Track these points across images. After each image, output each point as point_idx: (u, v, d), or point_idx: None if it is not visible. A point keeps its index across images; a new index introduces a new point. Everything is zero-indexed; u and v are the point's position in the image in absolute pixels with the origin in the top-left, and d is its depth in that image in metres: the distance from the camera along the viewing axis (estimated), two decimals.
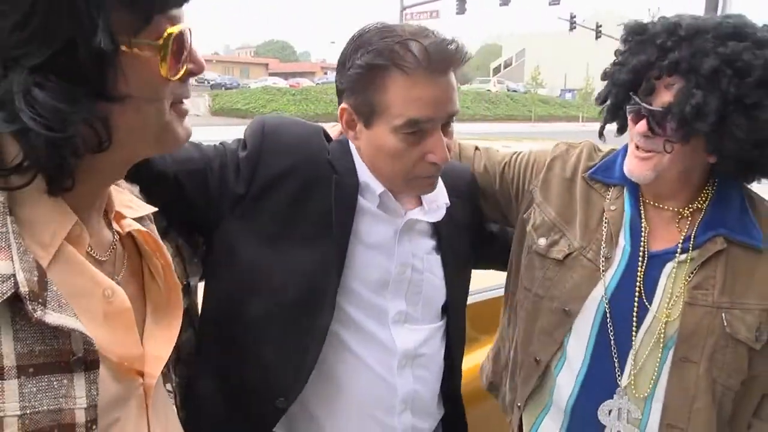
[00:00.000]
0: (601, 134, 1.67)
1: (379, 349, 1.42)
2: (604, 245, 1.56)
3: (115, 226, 0.97)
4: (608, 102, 1.56)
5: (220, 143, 1.41)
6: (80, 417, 0.76)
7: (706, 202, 1.52)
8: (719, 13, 9.52)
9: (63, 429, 0.75)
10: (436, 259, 1.54)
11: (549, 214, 1.65)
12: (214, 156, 1.36)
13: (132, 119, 0.80)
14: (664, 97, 1.39)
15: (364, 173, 1.42)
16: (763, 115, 1.31)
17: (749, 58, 1.30)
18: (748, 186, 1.56)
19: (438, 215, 1.49)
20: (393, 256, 1.44)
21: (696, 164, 1.47)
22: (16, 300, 0.71)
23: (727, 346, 1.44)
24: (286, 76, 59.08)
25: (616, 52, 1.54)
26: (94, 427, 0.78)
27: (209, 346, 1.38)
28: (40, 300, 0.72)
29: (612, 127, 1.63)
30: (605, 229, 1.57)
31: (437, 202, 1.51)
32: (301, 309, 1.34)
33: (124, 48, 0.74)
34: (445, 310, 1.57)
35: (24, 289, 0.71)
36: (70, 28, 0.70)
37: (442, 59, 1.28)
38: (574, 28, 36.51)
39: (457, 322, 1.59)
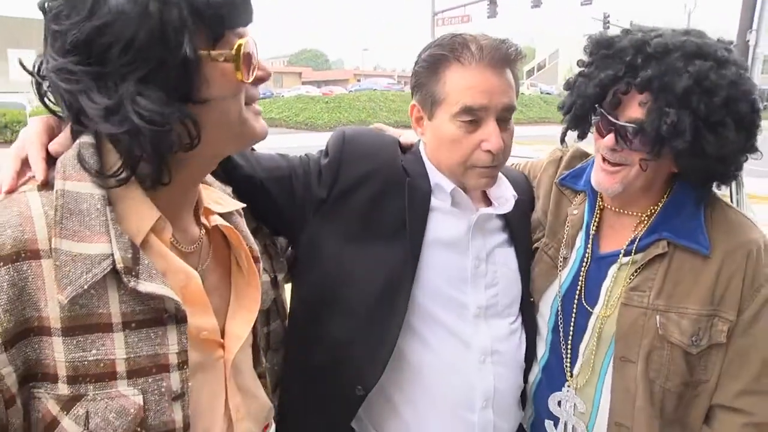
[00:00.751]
0: (562, 140, 1.74)
1: (456, 343, 1.47)
2: (563, 246, 1.64)
3: (203, 220, 1.17)
4: (571, 112, 1.59)
5: (305, 154, 1.55)
6: (173, 359, 0.97)
7: (661, 206, 1.55)
8: (757, 13, 9.29)
9: (159, 368, 0.96)
10: (509, 252, 1.61)
11: (537, 212, 1.76)
12: (298, 164, 1.50)
13: (216, 117, 0.99)
14: (633, 112, 1.42)
15: (435, 175, 1.53)
16: (727, 132, 1.36)
17: (715, 78, 1.34)
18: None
19: (508, 206, 1.57)
20: (468, 251, 1.52)
21: (659, 175, 1.50)
22: (117, 273, 0.91)
23: (663, 348, 1.47)
24: (319, 84, 59.62)
25: (579, 63, 1.58)
26: (185, 367, 0.98)
27: (295, 337, 1.48)
28: (133, 273, 0.92)
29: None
30: (566, 232, 1.66)
31: (505, 195, 1.58)
32: (379, 302, 1.42)
33: (204, 59, 0.95)
34: (521, 305, 1.62)
35: (120, 265, 0.91)
36: (162, 48, 0.90)
37: (495, 55, 1.42)
38: (608, 27, 36.05)
39: (531, 316, 1.65)
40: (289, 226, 1.50)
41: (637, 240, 1.54)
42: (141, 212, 0.98)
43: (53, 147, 0.98)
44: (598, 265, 1.60)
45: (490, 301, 1.53)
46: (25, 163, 0.99)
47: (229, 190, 1.32)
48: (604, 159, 1.51)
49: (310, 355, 1.46)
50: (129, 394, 0.92)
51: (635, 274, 1.53)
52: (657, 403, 1.49)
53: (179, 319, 0.98)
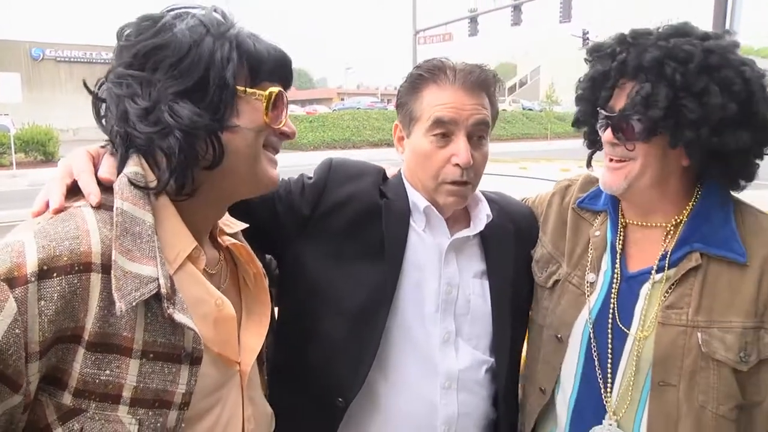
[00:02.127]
0: (589, 164, 1.71)
1: (423, 368, 1.50)
2: (588, 271, 1.57)
3: (219, 241, 1.26)
4: (584, 128, 1.62)
5: (287, 178, 1.61)
6: (177, 398, 1.00)
7: (687, 214, 1.49)
8: (728, 24, 9.47)
9: (162, 404, 0.98)
10: (483, 284, 1.61)
11: (547, 247, 1.70)
12: (281, 185, 1.55)
13: (237, 145, 1.09)
14: (621, 101, 1.43)
15: (412, 194, 1.59)
16: (712, 99, 1.33)
17: (689, 48, 1.35)
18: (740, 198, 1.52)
19: (480, 226, 1.61)
20: (439, 277, 1.55)
21: (670, 169, 1.46)
22: (152, 299, 0.95)
23: (708, 368, 1.37)
24: (303, 103, 59.66)
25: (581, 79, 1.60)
26: (185, 407, 1.01)
27: (282, 350, 1.51)
28: (171, 301, 0.97)
29: None
30: (590, 255, 1.60)
31: (479, 215, 1.63)
32: (356, 319, 1.47)
33: (240, 92, 1.08)
34: (493, 344, 1.60)
35: (163, 290, 0.95)
36: (207, 67, 1.04)
37: (469, 78, 1.52)
38: (587, 43, 36.49)
39: (502, 356, 1.60)
40: (274, 245, 1.54)
41: (669, 254, 1.46)
42: (179, 240, 1.06)
43: (103, 174, 1.04)
44: (628, 285, 1.52)
45: (458, 328, 1.55)
46: (69, 188, 1.04)
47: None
48: (609, 159, 1.51)
49: (295, 367, 1.50)
50: (126, 422, 0.94)
51: (670, 290, 1.44)
52: (706, 430, 1.38)
53: (194, 360, 1.02)
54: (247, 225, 1.34)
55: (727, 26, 9.87)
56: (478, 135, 1.54)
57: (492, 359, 1.59)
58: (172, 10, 1.11)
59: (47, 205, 0.99)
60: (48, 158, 22.36)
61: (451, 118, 1.50)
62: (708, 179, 1.49)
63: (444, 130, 1.51)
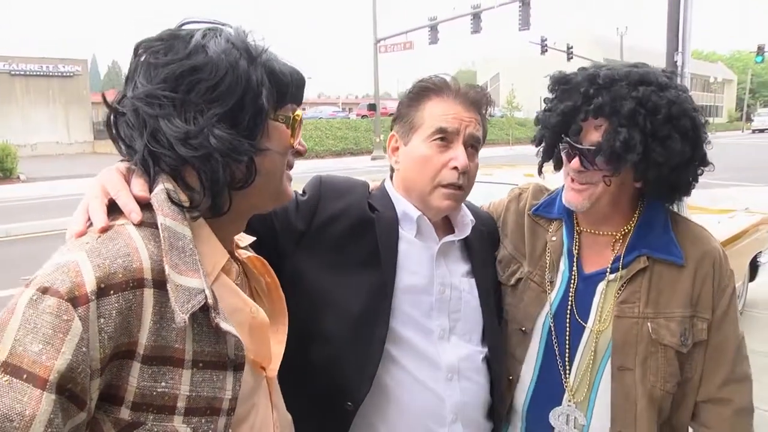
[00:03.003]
0: (539, 172, 1.88)
1: (427, 363, 1.60)
2: (548, 271, 1.78)
3: (236, 254, 1.28)
4: (543, 144, 1.79)
5: None
6: (225, 404, 1.04)
7: (634, 225, 1.72)
8: (680, 36, 9.79)
9: (213, 411, 1.02)
10: (471, 282, 1.74)
11: (508, 248, 1.89)
12: None
13: (266, 166, 1.13)
14: (592, 136, 1.61)
15: (402, 204, 1.70)
16: (674, 144, 1.55)
17: (656, 100, 1.54)
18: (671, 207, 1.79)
19: (466, 231, 1.74)
20: (432, 279, 1.66)
21: (624, 191, 1.68)
22: (197, 311, 0.97)
23: (657, 352, 1.63)
24: None
25: (545, 100, 1.77)
26: (232, 413, 1.05)
27: (286, 358, 1.53)
28: (216, 311, 1.00)
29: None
30: (548, 257, 1.80)
31: (464, 221, 1.75)
32: (359, 324, 1.54)
33: (270, 116, 1.13)
34: (485, 336, 1.73)
35: (210, 301, 0.98)
36: (244, 92, 1.06)
37: (469, 95, 1.69)
38: (546, 51, 37.17)
39: (495, 347, 1.75)
40: (272, 257, 1.55)
41: (621, 258, 1.70)
42: (214, 253, 1.10)
43: (139, 192, 1.04)
44: (585, 284, 1.74)
45: (452, 324, 1.67)
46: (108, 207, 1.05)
47: None
48: (572, 180, 1.68)
49: (300, 374, 1.54)
50: (181, 431, 0.97)
51: (622, 288, 1.68)
52: (657, 406, 1.63)
53: (237, 366, 1.06)
54: (254, 239, 1.38)
55: (680, 31, 10.15)
56: (472, 147, 1.68)
57: (486, 349, 1.71)
58: (189, 23, 1.12)
59: (88, 225, 1.01)
60: (6, 174, 21.81)
61: (454, 128, 1.64)
62: (650, 195, 1.73)
63: (445, 138, 1.64)
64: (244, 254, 1.31)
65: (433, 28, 29.50)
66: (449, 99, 1.68)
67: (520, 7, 26.47)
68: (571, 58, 36.17)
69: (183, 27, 1.11)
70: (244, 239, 1.35)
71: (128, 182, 1.07)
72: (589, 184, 1.65)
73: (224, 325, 1.00)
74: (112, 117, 1.08)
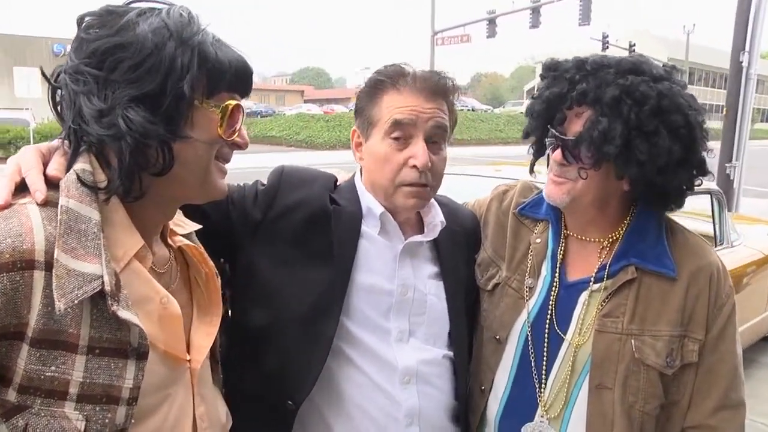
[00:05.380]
0: (531, 170, 1.76)
1: (381, 364, 1.53)
2: (528, 275, 1.65)
3: (169, 241, 1.25)
4: (533, 138, 1.66)
5: (242, 183, 1.63)
6: (125, 393, 1.00)
7: (624, 232, 1.58)
8: (749, 35, 9.38)
9: (110, 399, 0.98)
10: (438, 285, 1.66)
11: (487, 251, 1.77)
12: (234, 190, 1.57)
13: (187, 156, 1.09)
14: (576, 126, 1.49)
15: (367, 200, 1.61)
16: (661, 141, 1.42)
17: (645, 90, 1.41)
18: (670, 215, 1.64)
19: (435, 232, 1.64)
20: (394, 279, 1.58)
21: (611, 192, 1.55)
22: (96, 296, 0.95)
23: (639, 372, 1.50)
24: (321, 102, 59.85)
25: (536, 88, 1.64)
26: (133, 402, 1.01)
27: (234, 352, 1.54)
28: (116, 298, 0.97)
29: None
30: (530, 260, 1.67)
31: (434, 222, 1.65)
32: (306, 322, 1.49)
33: (196, 103, 1.07)
34: (451, 341, 1.65)
35: (108, 287, 0.95)
36: (166, 75, 1.02)
37: (427, 84, 1.55)
38: (607, 47, 36.30)
39: (461, 353, 1.67)
40: (227, 248, 1.56)
41: (607, 267, 1.57)
42: (127, 239, 1.06)
43: (52, 172, 1.03)
44: (567, 292, 1.62)
45: (413, 327, 1.59)
46: (18, 185, 1.04)
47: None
48: (555, 173, 1.58)
49: (246, 370, 1.54)
50: (73, 418, 0.94)
51: (606, 300, 1.55)
52: (636, 428, 1.51)
53: (140, 354, 1.02)
54: (200, 226, 1.35)
55: (749, 28, 9.76)
56: (435, 139, 1.57)
57: (450, 353, 1.64)
58: (135, 2, 1.09)
59: None
60: None
61: (410, 120, 1.52)
62: (643, 201, 1.59)
63: (402, 133, 1.54)
64: (182, 242, 1.27)
65: (492, 22, 29.14)
66: (405, 90, 1.55)
67: (580, 1, 25.89)
68: None
69: (131, 5, 1.08)
70: (186, 226, 1.32)
71: (47, 163, 1.06)
72: (568, 179, 1.53)
73: (123, 314, 0.97)
74: (52, 93, 1.08)
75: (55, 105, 1.08)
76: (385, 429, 1.53)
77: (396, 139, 1.54)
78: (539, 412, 1.59)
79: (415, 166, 1.52)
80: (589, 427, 1.53)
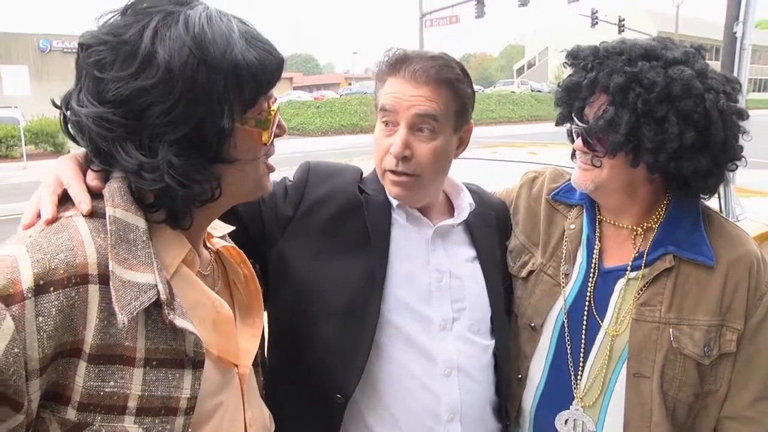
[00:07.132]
0: (573, 157, 1.72)
1: (421, 356, 1.51)
2: (563, 262, 1.65)
3: (208, 244, 1.24)
4: (566, 126, 1.65)
5: None
6: (183, 403, 0.98)
7: (659, 220, 1.58)
8: (743, 5, 9.32)
9: (168, 411, 0.96)
10: (475, 268, 1.64)
11: (519, 237, 1.76)
12: None
13: (237, 176, 1.07)
14: (592, 114, 1.50)
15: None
16: (671, 128, 1.39)
17: (653, 76, 1.40)
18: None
19: (463, 215, 1.64)
20: (428, 264, 1.57)
21: (637, 179, 1.54)
22: (150, 306, 0.93)
23: (676, 361, 1.49)
24: (310, 88, 59.55)
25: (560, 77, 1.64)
26: (191, 412, 1.00)
27: (277, 352, 1.53)
28: (171, 307, 0.95)
29: None
30: (565, 247, 1.67)
31: (462, 204, 1.65)
32: (347, 314, 1.47)
33: (237, 125, 1.02)
34: (493, 328, 1.63)
35: (163, 296, 0.94)
36: (202, 113, 0.96)
37: (417, 72, 1.51)
38: (596, 23, 36.14)
39: (503, 344, 1.64)
40: (258, 245, 1.54)
41: (645, 255, 1.56)
42: (174, 245, 1.04)
43: (92, 182, 1.00)
44: (603, 279, 1.61)
45: (456, 315, 1.57)
46: (60, 197, 1.00)
47: None
48: (581, 160, 1.59)
49: (291, 368, 1.51)
50: (132, 431, 0.93)
51: (644, 288, 1.54)
52: (671, 416, 1.50)
53: (196, 363, 1.00)
54: (233, 228, 1.34)
55: (741, 14, 9.70)
56: (420, 127, 1.51)
57: (492, 343, 1.61)
58: (143, 13, 0.97)
59: (38, 216, 0.96)
60: (58, 149, 22.44)
61: (392, 107, 1.52)
62: (671, 188, 1.57)
63: (388, 119, 1.54)
64: (220, 244, 1.25)
65: (480, 2, 28.95)
66: (397, 76, 1.53)
67: None
68: (623, 31, 35.05)
69: (137, 16, 0.97)
70: (221, 228, 1.30)
71: (85, 171, 1.02)
72: (594, 167, 1.53)
73: (180, 322, 0.95)
74: (63, 118, 1.02)
75: (67, 130, 1.02)
76: (426, 426, 1.50)
77: (385, 124, 1.55)
78: (575, 400, 1.59)
79: (390, 153, 1.52)
80: (628, 416, 1.52)
